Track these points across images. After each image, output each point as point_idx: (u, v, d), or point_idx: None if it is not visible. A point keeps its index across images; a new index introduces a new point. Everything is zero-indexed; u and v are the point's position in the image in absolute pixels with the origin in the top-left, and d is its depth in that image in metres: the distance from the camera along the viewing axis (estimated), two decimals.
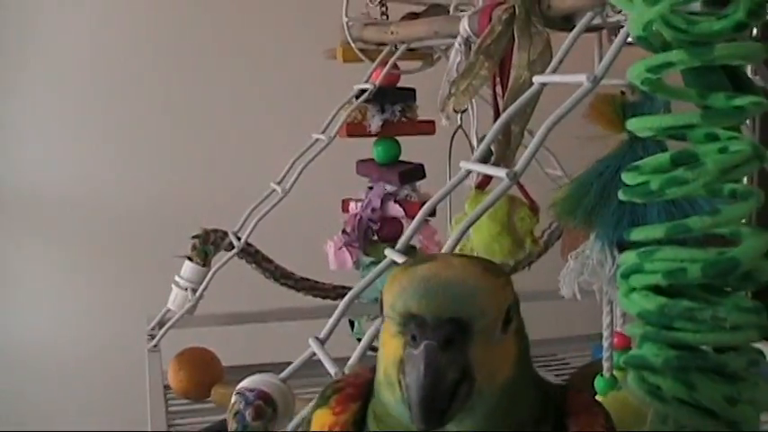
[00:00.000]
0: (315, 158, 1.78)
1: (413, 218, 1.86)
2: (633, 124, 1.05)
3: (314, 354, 1.22)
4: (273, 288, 2.05)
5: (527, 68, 1.26)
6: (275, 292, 2.07)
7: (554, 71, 1.20)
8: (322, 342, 1.22)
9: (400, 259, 1.18)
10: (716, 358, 0.99)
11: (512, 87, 1.27)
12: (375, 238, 1.97)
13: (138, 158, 2.96)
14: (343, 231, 1.97)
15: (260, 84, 2.98)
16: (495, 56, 1.31)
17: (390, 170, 1.96)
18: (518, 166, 1.10)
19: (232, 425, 1.13)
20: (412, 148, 1.99)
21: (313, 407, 0.90)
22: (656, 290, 1.01)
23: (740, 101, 1.00)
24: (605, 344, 1.31)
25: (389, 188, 1.95)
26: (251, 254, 1.95)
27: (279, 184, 1.83)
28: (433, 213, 1.49)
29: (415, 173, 1.96)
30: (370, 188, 1.99)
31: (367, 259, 1.97)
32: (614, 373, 1.35)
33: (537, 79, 1.20)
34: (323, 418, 0.87)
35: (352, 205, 2.00)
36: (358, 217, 1.95)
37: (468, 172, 1.22)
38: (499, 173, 1.10)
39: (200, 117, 2.97)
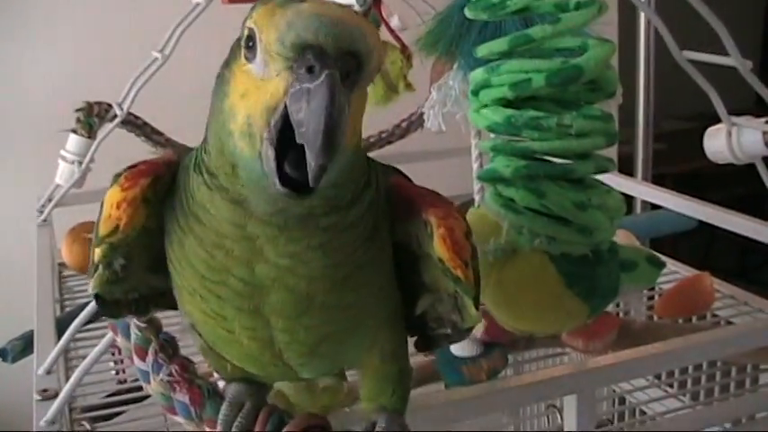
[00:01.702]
0: (193, 23, 1.75)
1: None
2: None
3: None
4: None
5: None
6: None
7: None
8: None
9: None
10: (563, 165, 1.02)
11: None
12: None
13: (26, 39, 2.87)
14: None
15: None
16: None
17: None
18: None
19: None
20: None
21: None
22: (505, 103, 1.02)
23: None
24: (474, 175, 1.32)
25: None
26: (138, 126, 1.93)
27: (160, 51, 1.80)
28: None
29: None
30: None
31: None
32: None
33: None
34: (111, 196, 0.86)
35: None
36: None
37: None
38: (350, 0, 1.10)
39: None
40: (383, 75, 1.41)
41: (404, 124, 1.92)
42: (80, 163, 1.87)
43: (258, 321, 0.86)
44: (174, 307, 0.96)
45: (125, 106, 1.83)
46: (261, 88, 0.73)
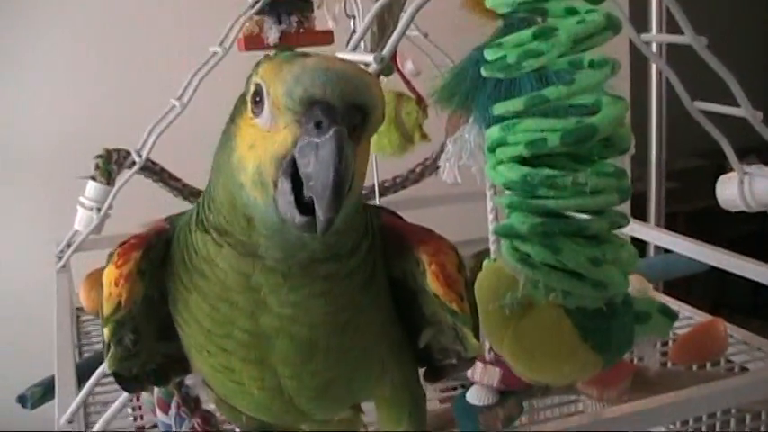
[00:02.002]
0: (211, 71, 1.78)
1: None
2: (491, 1, 1.08)
3: None
4: (185, 207, 2.06)
5: None
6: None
7: None
8: None
9: None
10: (578, 222, 1.03)
11: None
12: None
13: (41, 83, 2.90)
14: None
15: (156, 3, 2.93)
16: None
17: None
18: (385, 50, 1.12)
19: None
20: None
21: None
22: (521, 161, 1.04)
23: None
24: (490, 227, 1.34)
25: None
26: (156, 172, 1.96)
27: (178, 99, 1.83)
28: None
29: None
30: None
31: None
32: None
33: None
34: (108, 275, 0.88)
35: None
36: None
37: None
38: (367, 58, 1.12)
39: (102, 40, 2.91)
40: (399, 125, 1.43)
41: (418, 169, 1.94)
42: (99, 209, 1.89)
43: (265, 371, 0.88)
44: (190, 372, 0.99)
45: (143, 153, 1.85)
46: (268, 139, 0.75)
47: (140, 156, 1.87)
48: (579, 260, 1.02)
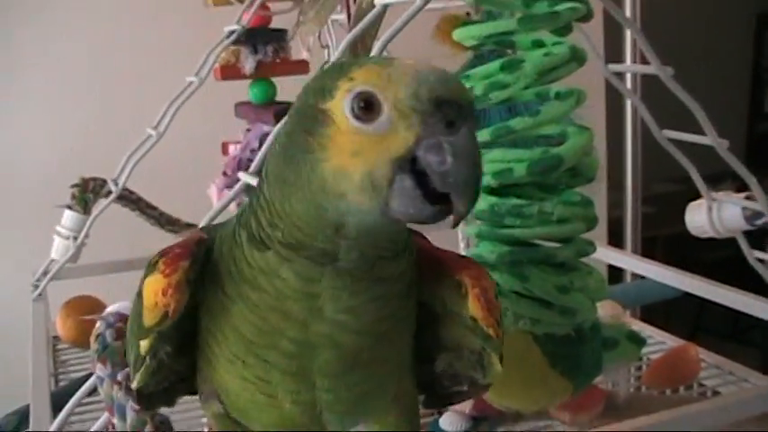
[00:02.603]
0: (187, 101, 1.79)
1: None
2: (458, 34, 1.10)
3: None
4: (162, 236, 2.07)
5: None
6: (164, 239, 2.08)
7: None
8: None
9: (254, 181, 1.21)
10: (545, 250, 1.05)
11: (357, 12, 1.31)
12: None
13: (16, 111, 2.90)
14: (224, 174, 1.99)
15: (136, 32, 2.94)
16: None
17: (266, 111, 1.97)
18: None
19: (94, 346, 1.16)
20: (289, 88, 2.01)
21: (141, 279, 0.89)
22: (489, 191, 1.06)
23: (558, 7, 1.06)
24: None
25: (267, 128, 1.96)
26: (132, 200, 1.96)
27: (155, 128, 1.84)
28: None
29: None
30: (248, 130, 2.01)
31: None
32: None
33: (378, 1, 1.24)
34: (154, 284, 0.87)
35: (231, 148, 2.02)
36: (237, 159, 1.97)
37: None
38: None
39: (79, 70, 2.91)
40: None
41: None
42: (75, 238, 1.89)
43: (303, 383, 0.88)
44: (193, 392, 0.98)
45: (120, 182, 1.86)
46: (382, 143, 0.74)
47: (117, 184, 1.88)
48: (547, 288, 1.03)
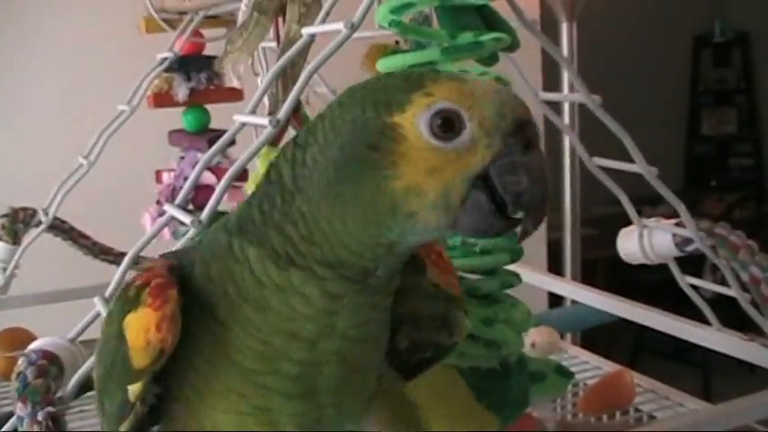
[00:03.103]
0: (121, 129, 1.77)
1: None
2: (382, 64, 1.10)
3: (99, 313, 1.23)
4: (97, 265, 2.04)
5: (297, 22, 1.29)
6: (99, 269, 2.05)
7: (322, 22, 1.23)
8: (107, 300, 1.23)
9: (186, 218, 1.19)
10: (469, 282, 1.04)
11: (284, 41, 1.30)
12: (190, 207, 1.97)
13: None
14: (158, 202, 1.97)
15: (67, 61, 2.91)
16: (269, 12, 1.34)
17: (200, 138, 1.96)
18: (280, 114, 1.13)
19: (14, 385, 1.13)
20: (222, 115, 2.00)
21: (112, 319, 0.83)
22: None
23: (483, 37, 1.06)
24: None
25: (201, 156, 1.95)
26: (65, 230, 1.93)
27: (86, 157, 1.82)
28: (244, 177, 1.51)
29: None
30: (182, 158, 1.99)
31: (183, 229, 1.97)
32: None
33: (304, 31, 1.23)
34: (142, 320, 0.80)
35: (165, 176, 2.00)
36: (171, 187, 1.95)
37: (243, 124, 1.23)
38: (263, 121, 1.13)
39: (6, 97, 2.88)
40: None
41: None
42: (4, 269, 1.86)
43: (308, 404, 0.85)
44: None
45: (50, 212, 1.83)
46: (459, 160, 0.74)
47: (47, 214, 1.85)
48: (471, 320, 1.03)
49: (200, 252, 0.85)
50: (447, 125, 0.73)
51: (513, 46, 1.15)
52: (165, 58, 1.82)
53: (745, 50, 7.01)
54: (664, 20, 6.65)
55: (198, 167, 1.25)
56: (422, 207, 0.74)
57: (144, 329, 0.80)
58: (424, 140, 0.73)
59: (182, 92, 1.92)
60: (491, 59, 1.15)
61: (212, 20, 1.88)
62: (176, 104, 1.94)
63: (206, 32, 1.93)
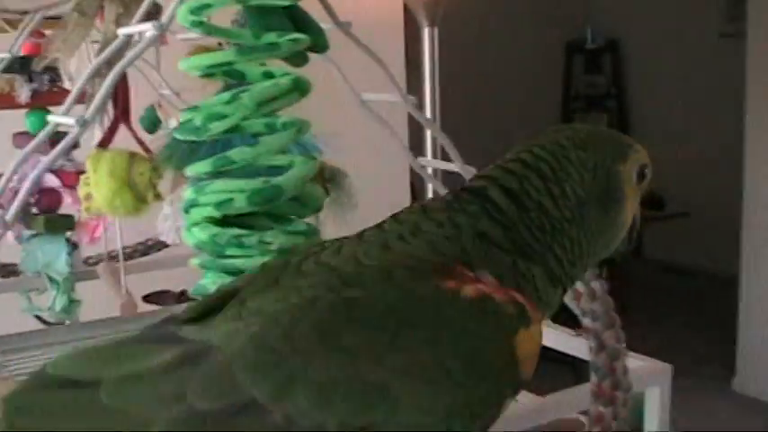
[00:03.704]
0: None
1: (70, 187, 1.88)
2: (183, 64, 1.10)
3: None
4: None
5: (114, 22, 1.29)
6: None
7: (139, 23, 1.23)
8: None
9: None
10: None
11: (102, 41, 1.30)
12: (34, 210, 1.95)
13: None
14: (1, 206, 1.94)
15: None
16: (90, 12, 1.34)
17: (44, 141, 1.93)
18: (87, 114, 1.13)
19: None
20: None
21: (491, 338, 0.79)
22: (214, 221, 1.06)
23: (280, 38, 1.07)
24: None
25: (44, 159, 1.93)
26: None
27: None
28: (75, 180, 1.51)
29: None
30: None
31: (28, 232, 1.95)
32: None
33: (121, 32, 1.23)
34: (532, 338, 0.81)
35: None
36: (14, 190, 1.92)
37: (57, 125, 1.23)
38: (68, 121, 1.13)
39: None
40: (131, 186, 1.43)
41: (149, 242, 1.97)
42: None
43: None
44: None
45: None
46: (636, 200, 0.96)
47: None
48: None
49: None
50: (642, 176, 0.94)
51: (319, 47, 1.17)
52: (3, 59, 1.80)
53: (616, 57, 7.18)
54: (536, 26, 6.78)
55: (35, 172, 1.25)
56: (622, 234, 0.95)
57: (534, 341, 0.82)
58: (633, 185, 0.94)
59: (24, 93, 1.89)
60: (300, 60, 1.17)
61: (56, 21, 1.86)
62: (18, 106, 1.91)
63: (47, 33, 1.91)
